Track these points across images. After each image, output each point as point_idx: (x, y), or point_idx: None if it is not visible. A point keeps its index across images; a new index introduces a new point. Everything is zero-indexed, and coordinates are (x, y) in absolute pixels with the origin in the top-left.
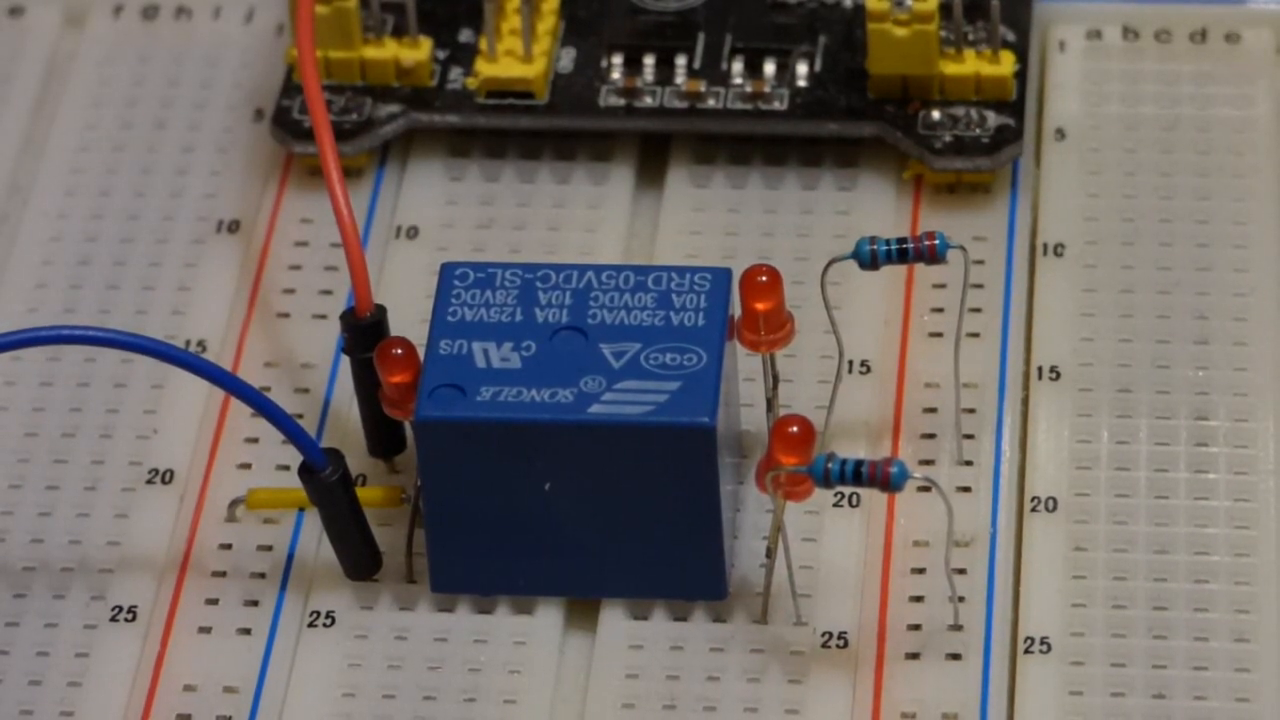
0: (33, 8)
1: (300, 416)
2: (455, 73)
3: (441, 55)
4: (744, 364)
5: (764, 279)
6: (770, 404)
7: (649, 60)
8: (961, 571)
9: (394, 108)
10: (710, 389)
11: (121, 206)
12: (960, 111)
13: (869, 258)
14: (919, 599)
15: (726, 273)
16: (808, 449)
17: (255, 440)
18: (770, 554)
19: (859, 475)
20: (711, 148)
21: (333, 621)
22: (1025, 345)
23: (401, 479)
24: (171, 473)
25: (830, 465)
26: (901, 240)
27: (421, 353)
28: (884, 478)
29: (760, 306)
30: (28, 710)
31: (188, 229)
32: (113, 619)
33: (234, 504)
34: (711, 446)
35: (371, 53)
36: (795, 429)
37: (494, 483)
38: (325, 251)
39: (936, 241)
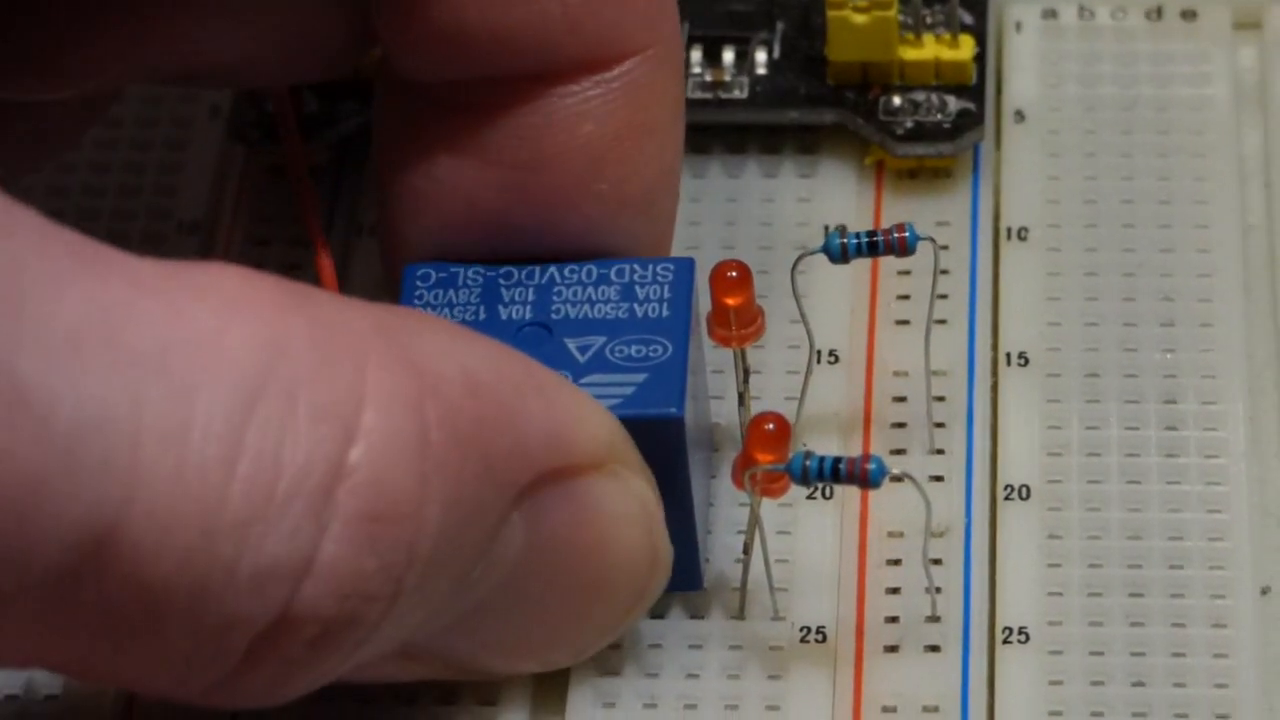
0: None
1: None
2: None
3: None
4: (712, 356)
5: (734, 274)
6: (742, 398)
7: None
8: (937, 562)
9: (353, 103)
10: (677, 379)
11: (77, 205)
12: (920, 97)
13: (839, 251)
14: (895, 591)
15: (689, 262)
16: (783, 446)
17: None
18: (747, 550)
19: (837, 473)
20: None
21: None
22: (992, 331)
23: None
24: None
25: (808, 463)
26: (871, 233)
27: None
28: (862, 475)
29: (731, 302)
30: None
31: (145, 228)
32: None
33: None
34: (680, 437)
35: None
36: (771, 426)
37: None
38: (286, 249)
39: (906, 234)
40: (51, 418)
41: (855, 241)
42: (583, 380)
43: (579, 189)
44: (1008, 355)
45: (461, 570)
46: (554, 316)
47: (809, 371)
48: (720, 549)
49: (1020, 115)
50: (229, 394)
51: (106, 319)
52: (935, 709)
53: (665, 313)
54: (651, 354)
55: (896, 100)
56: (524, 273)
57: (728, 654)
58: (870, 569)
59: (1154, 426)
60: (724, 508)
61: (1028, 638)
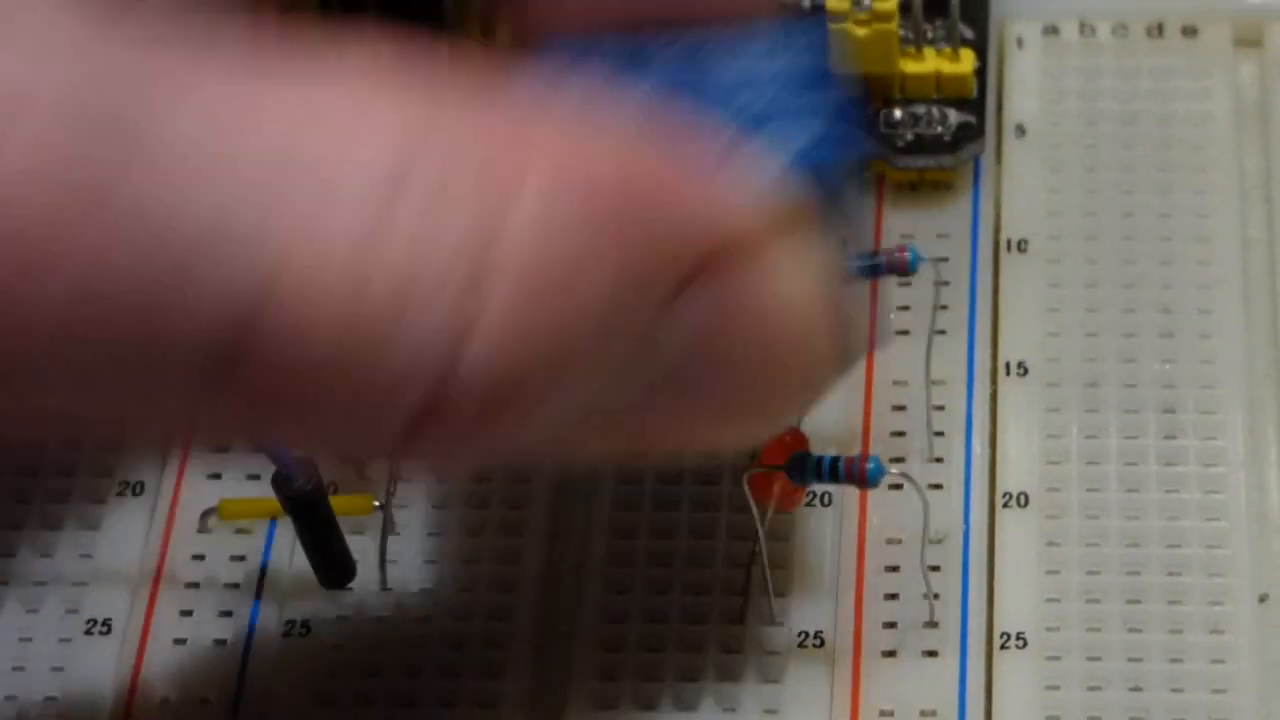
0: None
1: None
2: None
3: None
4: None
5: None
6: None
7: None
8: (935, 568)
9: None
10: (848, 122)
11: None
12: (921, 110)
13: None
14: (893, 596)
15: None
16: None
17: (225, 450)
18: (753, 557)
19: (835, 472)
20: None
21: (308, 630)
22: (992, 341)
23: (373, 486)
24: (142, 484)
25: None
26: (874, 254)
27: None
28: (860, 474)
29: None
30: None
31: None
32: (87, 632)
33: (206, 514)
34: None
35: None
36: (787, 438)
37: None
38: None
39: (908, 254)
40: (193, 200)
41: (857, 265)
42: (744, 141)
43: None
44: (1007, 365)
45: (631, 351)
46: (703, 80)
47: None
48: (720, 554)
49: (1021, 130)
50: (381, 166)
51: (247, 103)
52: (933, 714)
53: (820, 63)
54: (814, 105)
55: (897, 113)
56: (664, 42)
57: (726, 658)
58: (868, 574)
59: (1153, 436)
60: (725, 513)
61: (1025, 643)
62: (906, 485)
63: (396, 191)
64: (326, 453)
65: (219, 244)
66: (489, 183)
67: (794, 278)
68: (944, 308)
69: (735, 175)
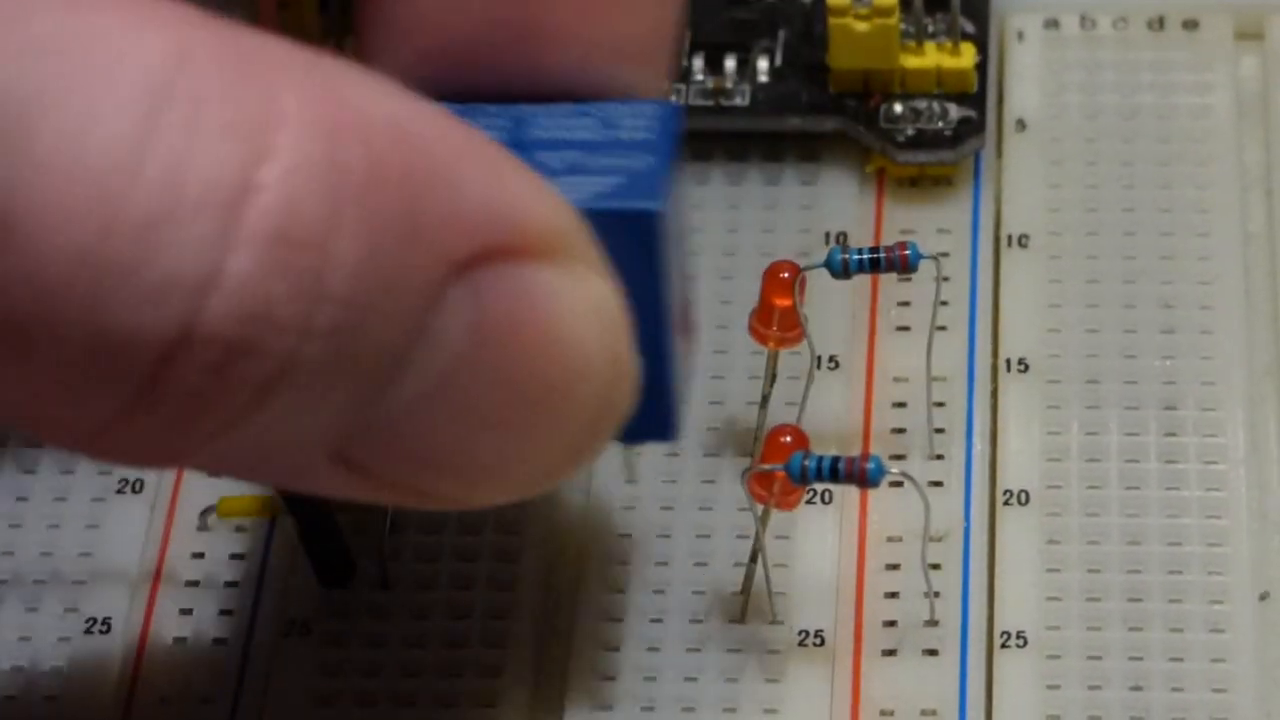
0: None
1: None
2: None
3: None
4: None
5: (786, 275)
6: (765, 400)
7: None
8: (936, 567)
9: None
10: (660, 182)
11: None
12: (922, 104)
13: (840, 267)
14: (894, 595)
15: (675, 105)
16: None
17: None
18: (754, 557)
19: (835, 472)
20: None
21: (307, 629)
22: (993, 338)
23: None
24: (141, 482)
25: (807, 463)
26: (874, 250)
27: None
28: (861, 474)
29: (780, 302)
30: None
31: None
32: (87, 631)
33: (206, 512)
34: (660, 238)
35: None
36: (788, 439)
37: None
38: None
39: (909, 253)
40: None
41: (858, 258)
42: (558, 179)
43: (566, 32)
44: (1008, 361)
45: (393, 341)
46: (528, 139)
47: (810, 377)
48: (720, 553)
49: (1021, 124)
50: (136, 97)
51: (13, 4)
52: (933, 713)
53: (649, 137)
54: (632, 165)
55: (898, 108)
56: (500, 108)
57: (726, 657)
58: (869, 573)
59: (1154, 433)
60: (725, 513)
61: (1026, 642)
62: (907, 483)
63: (155, 117)
64: (54, 411)
65: None
66: (239, 127)
67: (578, 292)
68: (945, 304)
69: (525, 184)
